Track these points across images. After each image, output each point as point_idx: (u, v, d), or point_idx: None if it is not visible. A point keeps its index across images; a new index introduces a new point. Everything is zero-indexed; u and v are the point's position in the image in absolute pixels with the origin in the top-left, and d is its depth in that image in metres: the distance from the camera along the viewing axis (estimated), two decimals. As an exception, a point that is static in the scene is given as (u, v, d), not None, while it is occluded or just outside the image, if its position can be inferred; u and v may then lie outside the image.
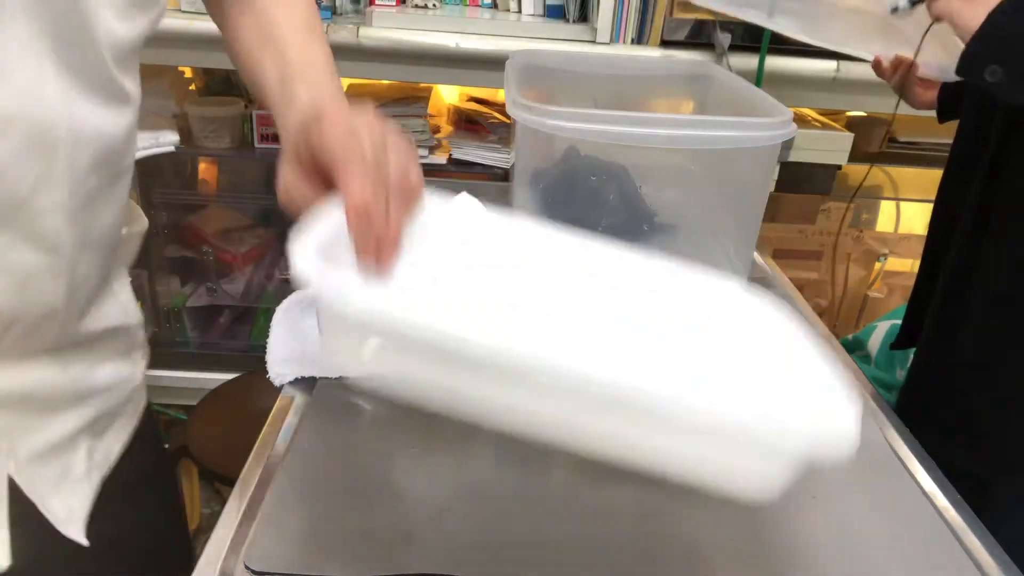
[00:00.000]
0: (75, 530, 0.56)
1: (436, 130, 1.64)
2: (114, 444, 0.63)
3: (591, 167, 0.83)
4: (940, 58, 0.73)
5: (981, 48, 0.68)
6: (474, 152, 1.57)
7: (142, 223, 0.66)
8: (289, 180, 0.47)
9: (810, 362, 0.41)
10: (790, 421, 0.34)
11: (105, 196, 0.51)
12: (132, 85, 0.51)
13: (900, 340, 0.96)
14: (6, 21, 0.40)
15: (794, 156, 1.57)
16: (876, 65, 1.00)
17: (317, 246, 0.38)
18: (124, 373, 0.62)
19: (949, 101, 0.95)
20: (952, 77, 0.90)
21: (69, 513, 0.56)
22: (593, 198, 0.84)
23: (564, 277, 0.49)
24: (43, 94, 0.43)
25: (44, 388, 0.54)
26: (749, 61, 1.47)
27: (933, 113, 1.02)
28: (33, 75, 0.42)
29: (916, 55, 0.90)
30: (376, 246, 0.41)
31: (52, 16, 0.42)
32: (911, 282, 0.96)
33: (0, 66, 0.41)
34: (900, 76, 0.96)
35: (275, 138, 1.59)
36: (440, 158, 1.58)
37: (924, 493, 0.57)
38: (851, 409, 0.35)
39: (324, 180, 0.44)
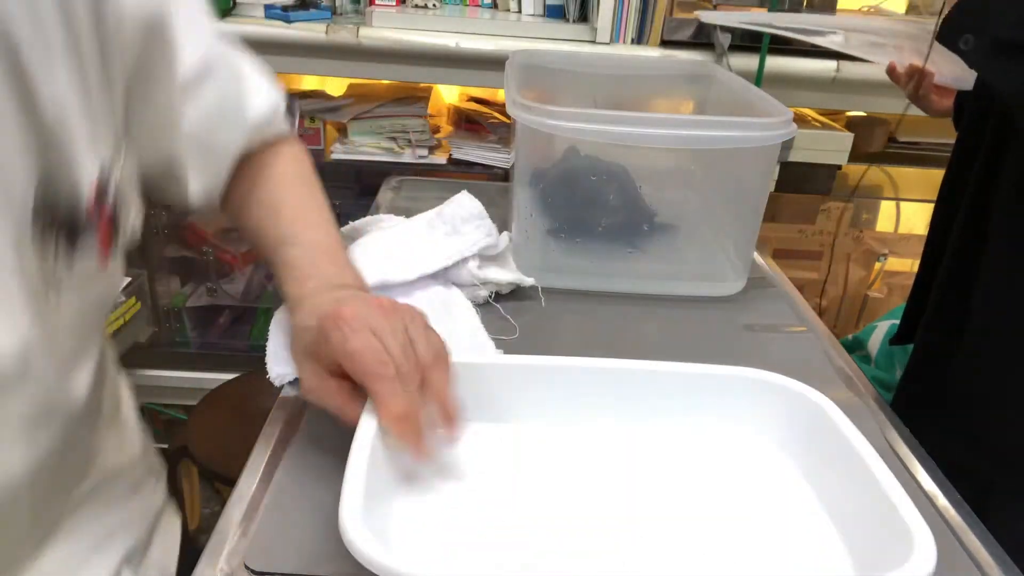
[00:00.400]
0: None
1: (436, 130, 1.64)
2: (168, 563, 0.58)
3: (591, 167, 0.83)
4: (954, 67, 0.74)
5: (958, 16, 0.68)
6: (474, 152, 1.57)
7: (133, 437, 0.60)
8: (314, 383, 0.49)
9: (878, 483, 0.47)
10: None
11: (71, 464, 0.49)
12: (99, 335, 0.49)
13: (899, 336, 0.96)
14: None
15: (794, 156, 1.56)
16: (891, 71, 1.01)
17: (363, 512, 0.42)
18: (137, 509, 0.56)
19: (964, 108, 0.95)
20: (967, 85, 0.90)
21: None
22: (593, 198, 0.84)
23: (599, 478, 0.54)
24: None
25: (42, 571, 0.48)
26: (749, 61, 1.47)
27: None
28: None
29: (926, 60, 0.91)
30: (424, 441, 0.46)
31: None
32: (911, 282, 0.96)
33: None
34: (915, 84, 0.97)
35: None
36: (440, 158, 1.58)
37: (924, 493, 0.56)
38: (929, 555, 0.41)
39: (347, 375, 0.47)
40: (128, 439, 0.58)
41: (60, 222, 0.39)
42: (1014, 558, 0.51)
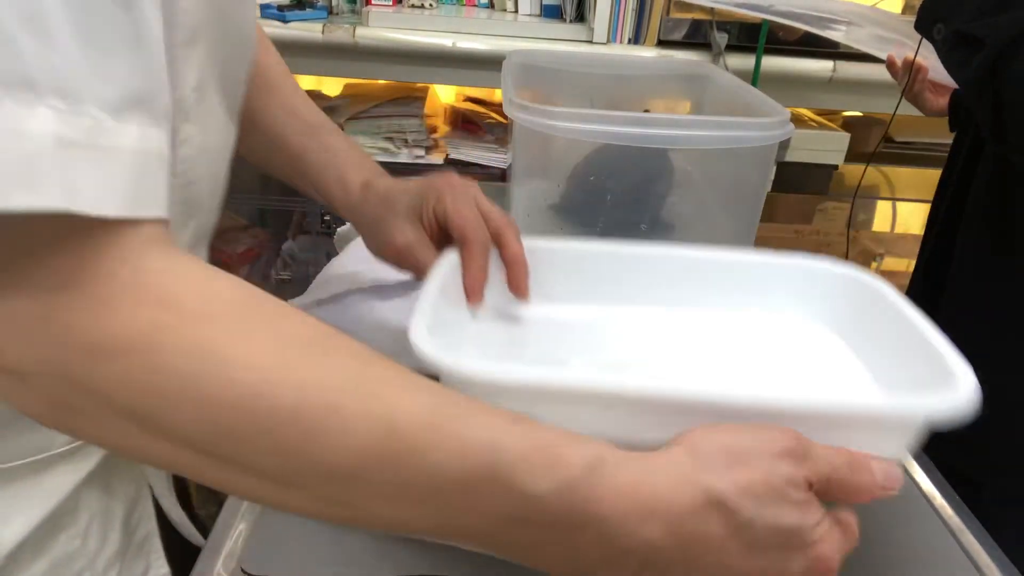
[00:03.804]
0: None
1: (433, 130, 1.64)
2: None
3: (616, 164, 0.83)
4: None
5: (931, 5, 0.68)
6: (471, 152, 1.57)
7: None
8: (413, 237, 0.54)
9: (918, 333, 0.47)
10: (923, 408, 0.39)
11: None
12: None
13: None
14: (211, 94, 0.44)
15: (791, 156, 1.57)
16: (890, 64, 1.01)
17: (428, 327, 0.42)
18: None
19: (959, 107, 0.95)
20: None
21: None
22: (591, 198, 0.84)
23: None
24: (225, 139, 0.49)
25: None
26: (746, 61, 1.47)
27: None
28: (222, 132, 0.48)
29: (916, 52, 0.91)
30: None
31: (225, 87, 0.46)
32: (907, 281, 0.96)
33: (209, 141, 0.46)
34: (910, 78, 0.97)
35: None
36: (437, 158, 1.58)
37: (922, 493, 0.57)
38: (968, 379, 0.40)
39: (440, 239, 0.54)
40: None
41: None
42: (1010, 556, 0.51)
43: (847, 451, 0.37)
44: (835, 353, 0.54)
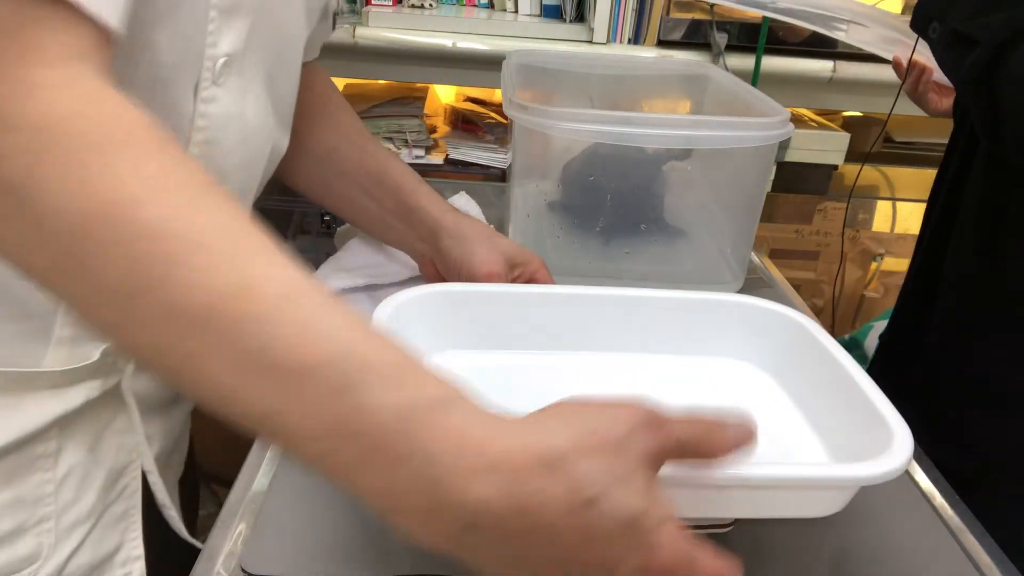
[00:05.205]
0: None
1: (432, 130, 1.64)
2: None
3: (605, 166, 0.83)
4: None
5: (927, 3, 0.68)
6: (471, 152, 1.56)
7: None
8: (501, 271, 0.65)
9: (860, 389, 0.48)
10: (861, 469, 0.41)
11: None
12: None
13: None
14: (251, 76, 0.49)
15: (790, 156, 1.57)
16: (896, 65, 1.01)
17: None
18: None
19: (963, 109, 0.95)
20: None
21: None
22: (591, 198, 0.83)
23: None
24: (265, 132, 0.53)
25: None
26: (746, 61, 1.47)
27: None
28: (262, 123, 0.52)
29: (912, 52, 0.91)
30: None
31: (272, 88, 0.52)
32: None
33: (246, 119, 0.50)
34: (914, 79, 0.97)
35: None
36: (437, 158, 1.58)
37: (922, 493, 0.57)
38: (906, 441, 0.43)
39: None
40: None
41: None
42: (1010, 556, 0.51)
43: (702, 420, 0.36)
44: (773, 400, 0.55)
